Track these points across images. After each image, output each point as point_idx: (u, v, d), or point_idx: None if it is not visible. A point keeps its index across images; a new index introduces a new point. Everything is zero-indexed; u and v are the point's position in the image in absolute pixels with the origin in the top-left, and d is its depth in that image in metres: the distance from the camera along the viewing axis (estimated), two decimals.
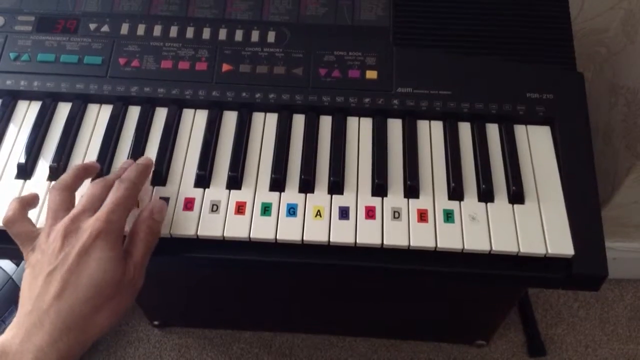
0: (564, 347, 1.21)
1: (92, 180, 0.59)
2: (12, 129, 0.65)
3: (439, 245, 0.57)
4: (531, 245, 0.57)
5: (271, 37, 0.69)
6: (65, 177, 0.56)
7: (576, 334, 1.22)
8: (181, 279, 0.99)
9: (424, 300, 1.01)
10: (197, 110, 0.67)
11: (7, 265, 1.06)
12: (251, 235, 0.58)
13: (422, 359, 1.19)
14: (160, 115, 0.66)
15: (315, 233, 0.58)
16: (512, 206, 0.60)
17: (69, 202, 0.54)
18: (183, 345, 1.21)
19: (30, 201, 0.56)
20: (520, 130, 0.65)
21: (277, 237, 0.58)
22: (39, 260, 0.50)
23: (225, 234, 0.58)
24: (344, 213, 0.59)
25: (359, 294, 1.01)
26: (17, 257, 1.02)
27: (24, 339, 0.46)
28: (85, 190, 0.55)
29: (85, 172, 0.58)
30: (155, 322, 1.21)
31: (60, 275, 0.48)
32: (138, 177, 0.56)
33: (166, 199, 0.60)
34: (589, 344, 1.21)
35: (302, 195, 0.61)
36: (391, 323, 1.15)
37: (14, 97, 0.67)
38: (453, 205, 0.60)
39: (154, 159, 0.62)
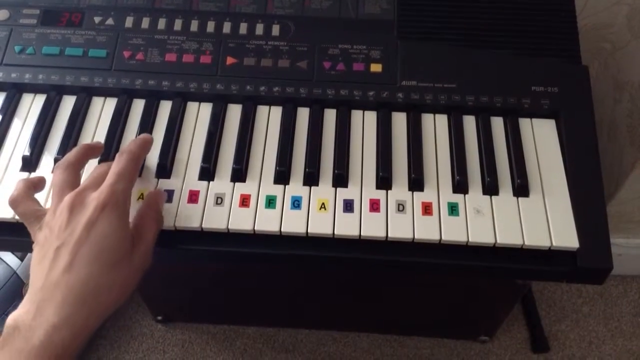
0: (567, 343, 1.21)
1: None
2: (17, 122, 0.66)
3: (443, 238, 0.57)
4: (536, 238, 0.57)
5: (275, 30, 0.69)
6: (69, 155, 0.56)
7: (580, 330, 1.22)
8: (185, 274, 0.99)
9: (427, 295, 1.01)
10: (202, 103, 0.67)
11: (11, 260, 1.06)
12: (256, 228, 0.58)
13: (426, 354, 1.19)
14: (165, 108, 0.66)
15: (320, 226, 0.58)
16: (517, 199, 0.60)
17: (74, 180, 0.54)
18: (186, 341, 1.21)
19: (36, 183, 0.56)
20: (525, 123, 0.65)
21: (282, 229, 0.58)
22: (47, 237, 0.50)
23: (229, 227, 0.58)
24: (348, 206, 0.59)
25: (362, 289, 1.01)
26: (19, 249, 1.03)
27: (36, 315, 0.46)
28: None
29: (90, 150, 0.58)
30: (159, 317, 1.21)
31: (69, 249, 0.48)
32: (137, 148, 0.56)
33: (170, 192, 0.60)
34: (592, 340, 1.21)
35: (307, 188, 0.61)
36: (394, 318, 1.15)
37: (18, 90, 0.67)
38: (458, 198, 0.60)
39: (158, 152, 0.62)
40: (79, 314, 0.47)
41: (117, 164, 0.53)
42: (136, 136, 0.63)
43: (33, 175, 0.62)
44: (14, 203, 0.53)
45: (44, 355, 0.45)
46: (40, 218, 0.52)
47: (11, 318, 0.47)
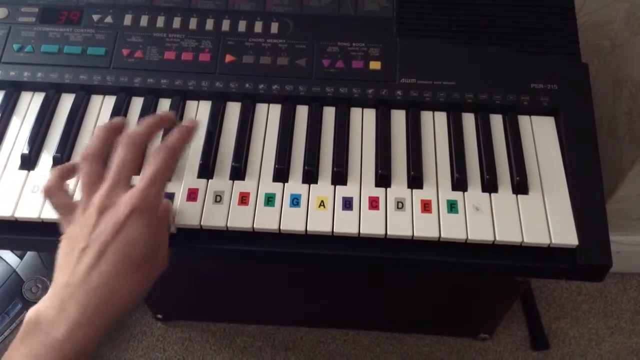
0: (567, 340, 1.21)
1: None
2: (15, 120, 0.66)
3: (442, 236, 0.57)
4: (535, 235, 0.57)
5: (274, 27, 0.69)
6: (93, 144, 0.54)
7: (579, 327, 1.22)
8: (184, 272, 0.99)
9: (426, 293, 1.01)
10: (201, 101, 0.67)
11: (10, 258, 1.06)
12: (255, 226, 0.58)
13: (425, 352, 1.19)
14: (164, 106, 0.66)
15: (319, 223, 0.58)
16: (516, 196, 0.60)
17: (101, 171, 0.53)
18: (186, 339, 1.22)
19: (68, 171, 0.55)
20: (524, 120, 0.65)
21: (281, 227, 0.58)
22: (76, 234, 0.49)
23: (228, 225, 0.58)
24: (347, 203, 0.59)
25: (361, 287, 1.01)
26: (18, 248, 1.03)
27: (59, 311, 0.46)
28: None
29: (113, 132, 0.55)
30: (159, 316, 1.21)
31: (95, 250, 0.47)
32: (179, 142, 0.54)
33: (171, 194, 0.60)
34: (592, 338, 1.21)
35: (306, 185, 0.61)
36: (394, 316, 1.15)
37: (17, 88, 0.67)
38: (457, 195, 0.60)
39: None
40: (101, 313, 0.47)
41: (153, 163, 0.52)
42: None
43: (32, 173, 0.62)
44: (47, 193, 0.53)
45: (65, 351, 0.45)
46: (72, 211, 0.52)
47: (33, 312, 0.47)
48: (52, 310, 0.46)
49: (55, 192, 0.53)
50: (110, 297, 0.47)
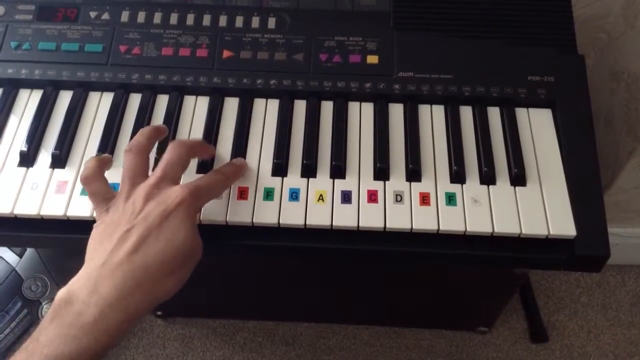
0: (566, 333, 1.21)
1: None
2: (14, 118, 0.66)
3: (441, 228, 0.58)
4: (533, 226, 0.58)
5: (272, 23, 0.69)
6: (139, 139, 0.56)
7: (578, 319, 1.23)
8: None
9: (425, 287, 1.01)
10: (199, 97, 0.67)
11: (9, 256, 1.07)
12: (254, 220, 0.58)
13: (425, 345, 1.20)
14: (162, 102, 0.66)
15: (318, 217, 0.58)
16: (514, 188, 0.60)
17: (145, 165, 0.55)
18: (186, 336, 1.22)
19: (107, 161, 0.57)
20: (521, 113, 0.65)
21: (280, 221, 0.58)
22: (115, 219, 0.50)
23: (228, 220, 0.58)
24: (346, 197, 0.60)
25: (360, 281, 1.01)
26: (18, 245, 1.03)
27: (92, 291, 0.46)
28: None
29: (157, 133, 0.59)
30: (159, 313, 1.21)
31: (139, 233, 0.48)
32: (234, 175, 0.58)
33: None
34: (591, 330, 1.21)
35: (305, 179, 0.61)
36: (393, 310, 1.15)
37: (15, 85, 0.67)
38: (455, 188, 0.60)
39: (155, 147, 0.62)
40: (135, 297, 0.47)
41: (213, 175, 0.56)
42: (133, 131, 0.63)
43: (31, 170, 0.62)
44: (86, 180, 0.54)
45: (95, 333, 0.45)
46: (109, 200, 0.52)
47: (64, 291, 0.47)
48: (85, 290, 0.46)
49: (94, 180, 0.54)
50: (147, 283, 0.47)
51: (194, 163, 0.61)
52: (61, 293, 0.47)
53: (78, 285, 0.47)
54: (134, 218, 0.49)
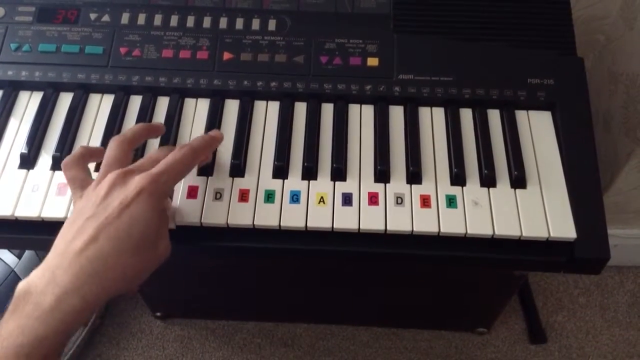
0: (564, 333, 1.21)
1: None
2: (14, 120, 0.66)
3: (442, 230, 0.58)
4: (533, 229, 0.58)
5: (272, 25, 0.69)
6: (127, 131, 0.56)
7: (577, 320, 1.23)
8: (183, 270, 1.00)
9: (425, 288, 1.02)
10: (199, 99, 0.67)
11: (9, 258, 1.06)
12: (255, 223, 0.58)
13: (424, 346, 1.20)
14: (162, 104, 0.66)
15: (319, 219, 0.59)
16: (514, 191, 0.60)
17: (125, 157, 0.54)
18: (185, 337, 1.22)
19: (93, 153, 0.57)
20: (521, 115, 0.65)
21: (281, 224, 0.58)
22: (83, 205, 0.50)
23: (229, 222, 0.58)
24: (347, 199, 0.60)
25: (360, 283, 1.01)
26: (17, 247, 1.03)
27: (49, 280, 0.46)
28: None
29: (148, 131, 0.59)
30: (158, 314, 1.21)
31: (97, 222, 0.48)
32: (202, 146, 0.56)
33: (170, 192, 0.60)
34: (589, 331, 1.22)
35: (305, 182, 0.61)
36: (392, 311, 1.15)
37: (15, 87, 0.67)
38: (455, 190, 0.60)
39: (156, 147, 0.62)
40: (92, 286, 0.46)
41: (173, 155, 0.53)
42: None
43: (31, 172, 0.62)
44: (65, 165, 0.54)
45: (52, 320, 0.45)
46: (85, 187, 0.53)
47: (23, 283, 0.47)
48: (43, 279, 0.46)
49: (73, 165, 0.54)
50: (104, 273, 0.47)
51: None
52: (21, 285, 0.47)
53: (37, 276, 0.47)
54: (96, 207, 0.49)
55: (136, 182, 0.50)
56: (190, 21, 0.69)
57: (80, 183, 0.53)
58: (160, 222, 0.52)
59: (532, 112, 0.66)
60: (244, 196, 0.60)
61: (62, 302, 0.45)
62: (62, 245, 0.48)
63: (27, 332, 0.44)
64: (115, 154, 0.54)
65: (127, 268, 0.49)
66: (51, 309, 0.45)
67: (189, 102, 0.67)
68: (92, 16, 0.69)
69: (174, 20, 0.69)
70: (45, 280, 0.46)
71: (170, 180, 0.52)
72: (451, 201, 0.60)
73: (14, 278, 1.05)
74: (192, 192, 0.60)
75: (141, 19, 0.69)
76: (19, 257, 1.06)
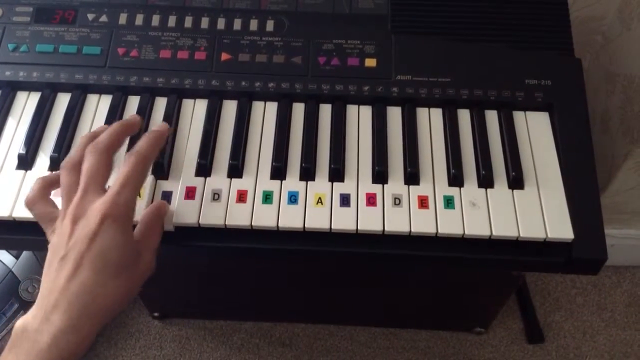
0: (562, 333, 1.22)
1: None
2: (11, 120, 0.65)
3: (439, 231, 0.58)
4: (531, 229, 0.58)
5: (270, 25, 0.69)
6: (72, 153, 0.54)
7: (574, 320, 1.23)
8: (181, 270, 0.99)
9: (423, 288, 1.02)
10: (197, 100, 0.67)
11: (6, 258, 1.06)
12: (253, 224, 0.58)
13: (422, 346, 1.20)
14: (160, 105, 0.66)
15: (317, 220, 0.59)
16: (512, 192, 0.60)
17: (107, 168, 0.53)
18: (183, 337, 1.22)
19: (51, 182, 0.55)
20: (519, 116, 0.66)
21: (279, 224, 0.58)
22: (56, 243, 0.50)
23: (227, 223, 0.58)
24: (345, 200, 0.60)
25: (358, 283, 1.01)
26: (15, 248, 1.03)
27: (43, 320, 0.46)
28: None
29: (125, 129, 0.56)
30: (155, 314, 1.21)
31: (72, 259, 0.48)
32: (150, 149, 0.54)
33: (169, 193, 0.60)
34: (586, 331, 1.22)
35: (303, 183, 0.61)
36: (390, 311, 1.16)
37: (13, 88, 0.67)
38: (453, 191, 0.60)
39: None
40: (84, 319, 0.47)
41: (124, 169, 0.51)
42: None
43: (29, 173, 0.61)
44: (29, 204, 0.53)
45: (49, 357, 0.45)
46: (54, 221, 0.52)
47: (20, 322, 0.48)
48: (37, 319, 0.47)
49: (36, 203, 0.53)
50: (93, 304, 0.48)
51: (193, 165, 0.61)
52: (18, 323, 0.48)
53: (32, 315, 0.48)
54: (66, 244, 0.49)
55: (96, 210, 0.49)
56: (188, 22, 0.69)
57: (49, 217, 0.53)
58: (133, 241, 0.52)
59: (529, 113, 0.66)
60: (241, 197, 0.60)
61: (59, 340, 0.46)
62: (48, 284, 0.48)
63: None
64: (68, 181, 0.52)
65: (114, 294, 0.49)
66: (48, 346, 0.46)
67: (187, 103, 0.67)
68: (90, 16, 0.69)
69: (171, 21, 0.69)
70: (39, 320, 0.47)
71: (129, 196, 0.51)
72: (449, 202, 0.60)
73: (11, 278, 1.05)
74: (189, 193, 0.60)
75: (139, 19, 0.69)
76: (17, 257, 1.07)
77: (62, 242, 0.49)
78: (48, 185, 0.55)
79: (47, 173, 0.61)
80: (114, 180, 0.51)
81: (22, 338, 0.46)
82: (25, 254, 1.08)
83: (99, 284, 0.48)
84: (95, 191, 0.51)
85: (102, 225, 0.48)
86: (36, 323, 0.47)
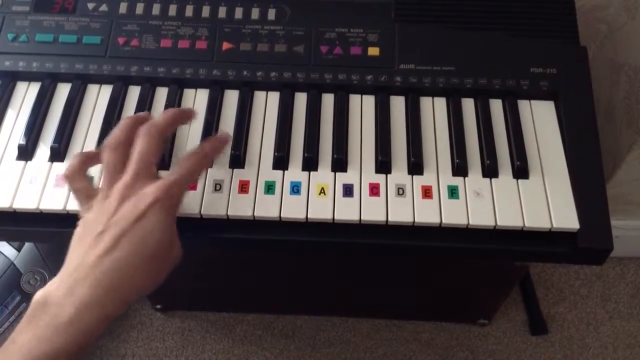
0: (565, 325, 1.21)
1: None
2: (11, 111, 0.65)
3: (444, 221, 0.57)
4: (536, 219, 0.57)
5: (271, 14, 0.68)
6: (117, 132, 0.54)
7: (578, 311, 1.23)
8: (183, 262, 0.99)
9: (426, 280, 1.01)
10: (198, 90, 0.66)
11: (8, 250, 1.06)
12: (255, 214, 0.58)
13: (425, 338, 1.20)
14: (161, 95, 0.66)
15: (320, 211, 0.58)
16: (517, 181, 0.60)
17: (125, 160, 0.53)
18: (186, 329, 1.22)
19: (91, 157, 0.55)
20: (524, 105, 0.65)
21: (282, 215, 0.58)
22: (94, 219, 0.49)
23: (229, 213, 0.58)
24: (348, 190, 0.59)
25: (361, 274, 1.01)
26: (16, 239, 1.03)
27: (67, 293, 0.46)
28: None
29: (180, 117, 0.57)
30: (158, 306, 1.21)
31: (112, 235, 0.47)
32: (212, 151, 0.56)
33: None
34: (590, 322, 1.22)
35: (306, 173, 0.60)
36: (394, 303, 1.15)
37: (12, 78, 0.67)
38: (457, 181, 0.60)
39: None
40: (110, 297, 0.46)
41: (186, 162, 0.53)
42: None
43: (29, 164, 0.61)
44: (69, 177, 0.53)
45: (71, 332, 0.45)
46: (91, 197, 0.52)
47: (40, 294, 0.47)
48: (60, 291, 0.46)
49: (76, 177, 0.53)
50: (121, 284, 0.47)
51: None
52: (38, 295, 0.47)
53: (54, 287, 0.47)
54: (108, 220, 0.48)
55: (150, 194, 0.49)
56: (189, 10, 0.68)
57: (86, 193, 0.53)
58: (174, 229, 0.51)
59: (534, 102, 0.65)
60: (244, 187, 0.59)
61: (82, 314, 0.45)
62: (77, 258, 0.48)
63: (45, 343, 0.44)
64: (114, 159, 0.52)
65: (143, 277, 0.49)
66: (70, 320, 0.45)
67: (188, 93, 0.66)
68: (90, 5, 0.68)
69: (172, 10, 0.68)
70: (63, 293, 0.46)
71: (183, 188, 0.52)
72: (453, 192, 0.59)
73: (13, 270, 1.05)
74: (192, 184, 0.59)
75: (139, 8, 0.68)
76: (19, 249, 1.06)
77: (101, 219, 0.49)
78: (88, 160, 0.55)
79: (47, 164, 0.61)
80: (173, 170, 0.52)
81: (42, 311, 0.45)
82: (27, 246, 1.07)
83: (132, 265, 0.48)
84: (146, 174, 0.51)
85: (152, 208, 0.48)
86: (59, 296, 0.46)
